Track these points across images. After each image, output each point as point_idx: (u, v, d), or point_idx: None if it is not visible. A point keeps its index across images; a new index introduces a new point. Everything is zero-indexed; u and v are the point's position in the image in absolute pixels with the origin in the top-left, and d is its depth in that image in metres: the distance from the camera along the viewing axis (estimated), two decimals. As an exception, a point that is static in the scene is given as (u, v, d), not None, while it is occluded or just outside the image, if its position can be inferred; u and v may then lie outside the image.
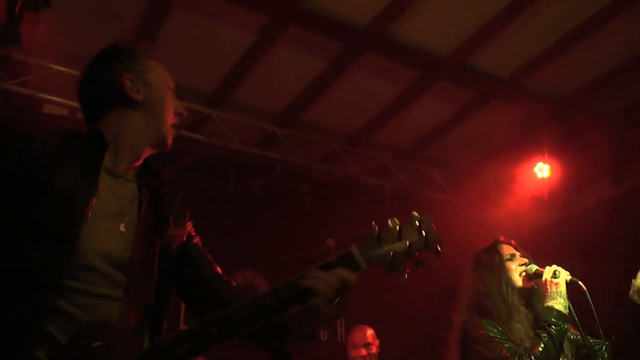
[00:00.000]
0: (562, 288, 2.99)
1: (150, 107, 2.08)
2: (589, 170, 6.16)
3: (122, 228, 1.94)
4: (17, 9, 3.97)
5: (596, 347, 3.06)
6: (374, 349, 5.08)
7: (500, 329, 2.99)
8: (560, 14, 5.24)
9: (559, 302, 2.96)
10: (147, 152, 2.12)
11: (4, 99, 5.04)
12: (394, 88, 6.08)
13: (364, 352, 5.04)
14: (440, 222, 6.20)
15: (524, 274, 3.15)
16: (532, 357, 2.85)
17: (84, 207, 1.86)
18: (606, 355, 3.06)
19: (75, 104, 5.32)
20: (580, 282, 2.99)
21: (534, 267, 3.16)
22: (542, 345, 2.87)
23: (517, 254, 3.25)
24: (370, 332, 5.17)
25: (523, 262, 3.19)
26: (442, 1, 5.11)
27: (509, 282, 3.12)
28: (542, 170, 6.41)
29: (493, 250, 3.28)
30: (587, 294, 2.94)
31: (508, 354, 2.90)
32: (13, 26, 4.10)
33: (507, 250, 3.28)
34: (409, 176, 6.96)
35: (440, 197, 7.04)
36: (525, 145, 6.47)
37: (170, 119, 2.13)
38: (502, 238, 3.36)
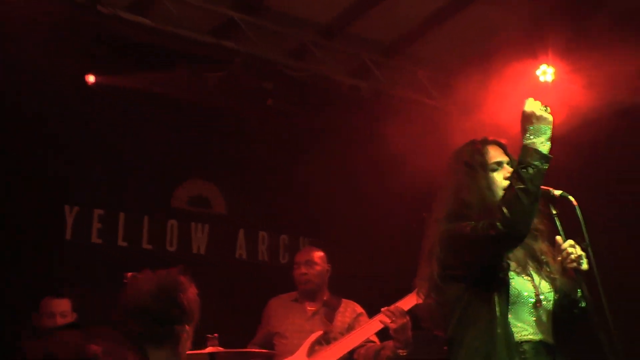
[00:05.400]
0: (548, 125, 2.94)
1: None
2: (601, 77, 6.11)
3: None
4: None
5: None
6: (317, 268, 5.24)
7: None
8: None
9: (541, 141, 2.92)
10: None
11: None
12: (377, -31, 5.93)
13: (303, 269, 5.23)
14: (426, 130, 6.28)
15: None
16: (499, 224, 2.84)
17: None
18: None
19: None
20: (570, 197, 3.01)
21: None
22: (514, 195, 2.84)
23: (505, 160, 3.15)
24: (318, 253, 5.34)
25: (510, 174, 3.06)
26: None
27: (494, 196, 3.06)
28: (546, 74, 6.35)
29: (477, 151, 3.19)
30: (578, 210, 2.96)
31: (468, 227, 2.95)
32: None
33: (494, 154, 3.17)
34: (390, 76, 6.87)
35: (426, 101, 6.98)
36: (528, 44, 6.38)
37: None
38: (490, 138, 3.23)
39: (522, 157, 2.92)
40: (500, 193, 3.06)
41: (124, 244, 6.34)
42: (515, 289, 3.01)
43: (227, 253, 6.96)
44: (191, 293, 2.68)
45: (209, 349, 4.37)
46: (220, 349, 4.41)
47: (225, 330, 4.63)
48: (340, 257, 6.41)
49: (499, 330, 2.92)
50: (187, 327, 2.61)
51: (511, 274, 3.04)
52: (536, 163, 2.88)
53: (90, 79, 6.05)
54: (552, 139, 2.98)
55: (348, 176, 6.99)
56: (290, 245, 7.31)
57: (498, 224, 2.86)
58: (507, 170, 3.12)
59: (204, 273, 6.32)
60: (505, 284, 3.00)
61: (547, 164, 2.91)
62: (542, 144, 2.92)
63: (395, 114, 6.66)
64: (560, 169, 3.30)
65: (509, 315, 2.97)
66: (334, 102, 6.66)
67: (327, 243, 6.57)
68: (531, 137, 2.93)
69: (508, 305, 2.98)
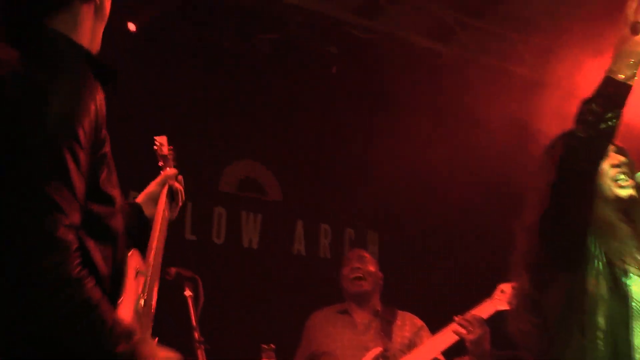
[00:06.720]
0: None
1: (103, 10, 2.21)
2: None
3: None
4: None
5: None
6: (371, 268, 5.18)
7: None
8: None
9: (619, 67, 2.68)
10: None
11: None
12: None
13: (356, 264, 5.17)
14: (519, 107, 6.04)
15: (622, 180, 2.91)
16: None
17: None
18: None
19: None
20: None
21: None
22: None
23: (611, 147, 2.91)
24: (370, 256, 5.39)
25: (619, 162, 2.94)
26: None
27: (599, 191, 2.88)
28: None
29: None
30: None
31: None
32: None
33: None
34: (477, 40, 6.71)
35: (520, 72, 6.80)
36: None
37: None
38: None
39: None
40: (609, 184, 2.94)
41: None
42: (638, 294, 2.73)
43: (283, 247, 6.89)
44: None
45: (263, 362, 4.35)
46: (277, 361, 4.38)
47: (281, 338, 4.71)
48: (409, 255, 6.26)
49: (601, 348, 2.65)
50: None
51: (631, 273, 2.76)
52: (606, 91, 2.69)
53: (131, 27, 5.99)
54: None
55: (427, 160, 6.79)
56: (357, 240, 7.24)
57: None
58: (614, 158, 2.97)
59: (256, 270, 6.32)
60: (615, 282, 2.75)
61: (622, 91, 2.67)
62: (618, 71, 2.68)
63: (483, 84, 6.49)
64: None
65: (632, 335, 2.67)
66: (411, 68, 6.50)
67: (398, 240, 6.41)
68: (615, 63, 2.71)
69: (627, 317, 2.70)
